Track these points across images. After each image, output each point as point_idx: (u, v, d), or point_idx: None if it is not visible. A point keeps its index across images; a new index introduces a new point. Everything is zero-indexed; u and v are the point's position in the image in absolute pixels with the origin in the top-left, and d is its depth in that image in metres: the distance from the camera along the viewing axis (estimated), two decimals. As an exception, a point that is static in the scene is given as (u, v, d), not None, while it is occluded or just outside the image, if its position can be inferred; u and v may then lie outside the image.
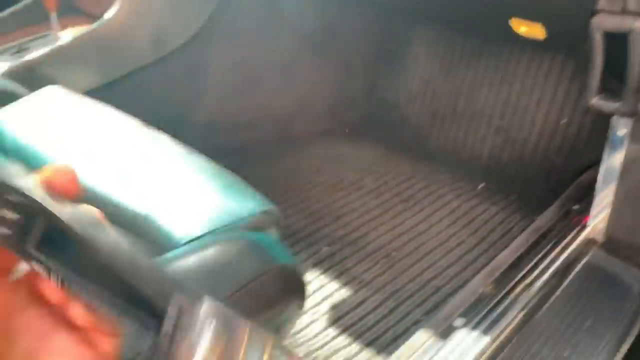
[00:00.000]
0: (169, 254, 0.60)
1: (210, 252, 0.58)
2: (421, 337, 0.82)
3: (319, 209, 1.29)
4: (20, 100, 0.96)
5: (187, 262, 0.57)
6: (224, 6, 1.35)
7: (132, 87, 1.22)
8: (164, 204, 0.71)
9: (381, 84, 1.62)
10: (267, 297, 0.58)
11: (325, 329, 0.99)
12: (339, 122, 1.59)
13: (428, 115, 1.52)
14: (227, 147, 1.37)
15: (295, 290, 0.61)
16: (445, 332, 0.82)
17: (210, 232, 0.65)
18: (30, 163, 0.85)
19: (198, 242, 0.63)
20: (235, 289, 0.55)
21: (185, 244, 0.64)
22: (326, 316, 1.02)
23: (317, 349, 0.95)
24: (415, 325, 0.99)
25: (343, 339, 0.98)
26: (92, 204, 0.76)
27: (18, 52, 1.28)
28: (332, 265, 1.14)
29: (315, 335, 0.98)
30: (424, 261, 1.15)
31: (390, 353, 0.86)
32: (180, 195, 0.73)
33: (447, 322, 0.84)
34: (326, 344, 0.97)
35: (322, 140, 1.54)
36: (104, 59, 1.18)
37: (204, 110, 1.42)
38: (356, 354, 0.95)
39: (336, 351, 0.95)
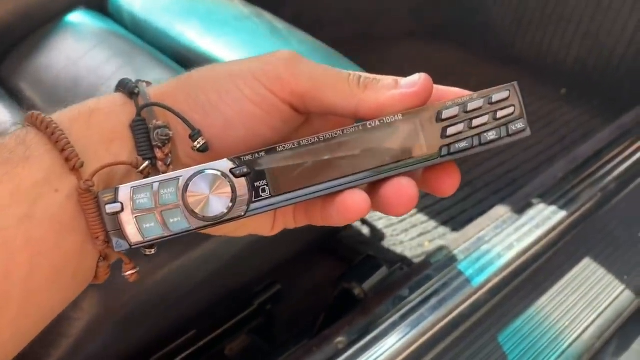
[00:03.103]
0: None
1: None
2: (499, 211, 0.87)
3: (400, 105, 1.33)
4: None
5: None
6: None
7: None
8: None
9: (467, -14, 1.60)
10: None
11: (404, 207, 1.06)
12: (423, 23, 1.60)
13: (513, 20, 1.50)
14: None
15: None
16: (522, 208, 0.87)
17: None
18: (147, 34, 0.93)
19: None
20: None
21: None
22: (405, 196, 1.09)
23: (396, 223, 1.03)
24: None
25: (420, 217, 1.05)
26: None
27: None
28: (412, 155, 1.19)
29: (395, 212, 1.05)
30: (502, 155, 1.18)
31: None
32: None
33: (525, 200, 0.89)
34: (404, 219, 1.04)
35: (404, 41, 1.56)
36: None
37: (293, 3, 1.46)
38: (432, 229, 1.02)
39: (413, 226, 1.03)
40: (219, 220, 0.29)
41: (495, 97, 0.33)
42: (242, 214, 0.29)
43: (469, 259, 0.74)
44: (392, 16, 1.58)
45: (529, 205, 0.87)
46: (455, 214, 1.05)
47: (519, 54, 1.48)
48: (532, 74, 1.42)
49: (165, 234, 0.29)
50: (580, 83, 1.37)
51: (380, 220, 1.03)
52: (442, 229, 1.02)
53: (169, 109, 0.31)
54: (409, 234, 1.00)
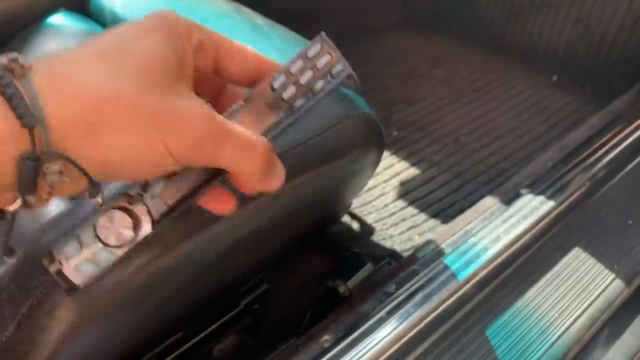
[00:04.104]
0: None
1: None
2: (487, 203, 0.86)
3: (390, 97, 1.33)
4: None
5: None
6: None
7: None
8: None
9: (457, -25, 1.58)
10: (351, 138, 0.63)
11: (394, 201, 1.06)
12: (414, 14, 1.58)
13: (504, 8, 1.49)
14: (302, 36, 1.40)
15: (375, 137, 0.66)
16: (511, 199, 0.86)
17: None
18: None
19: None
20: (323, 128, 0.61)
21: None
22: (395, 190, 1.08)
23: (385, 217, 1.02)
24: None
25: (410, 210, 1.04)
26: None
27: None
28: (402, 148, 1.19)
29: (385, 206, 1.05)
30: (493, 145, 1.18)
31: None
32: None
33: (513, 190, 0.88)
34: (394, 213, 1.03)
35: (395, 32, 1.55)
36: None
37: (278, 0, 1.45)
38: (422, 222, 1.01)
39: (403, 219, 1.02)
40: (134, 242, 0.34)
41: (310, 53, 0.38)
42: (150, 230, 0.35)
43: (455, 253, 0.74)
44: (383, 7, 1.57)
45: (517, 196, 0.86)
46: (446, 205, 1.05)
47: (509, 42, 1.47)
48: (523, 62, 1.41)
49: (101, 269, 0.34)
50: (571, 70, 1.36)
51: (370, 215, 1.03)
52: (432, 222, 1.01)
53: (74, 164, 0.29)
54: (399, 228, 1.00)
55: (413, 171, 1.12)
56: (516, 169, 1.11)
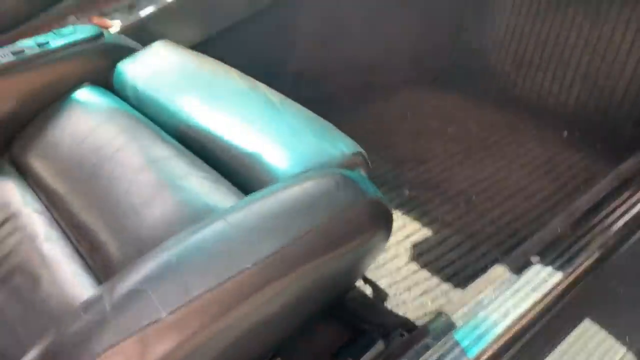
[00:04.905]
0: (273, 186, 0.69)
1: (309, 184, 0.66)
2: (497, 271, 0.88)
3: (402, 155, 1.36)
4: (137, 53, 1.08)
5: (289, 192, 0.66)
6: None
7: (229, 41, 1.32)
8: (267, 143, 0.80)
9: (466, 32, 1.62)
10: (359, 225, 0.66)
11: (407, 263, 1.08)
12: (424, 71, 1.63)
13: (513, 63, 1.52)
14: (315, 96, 1.45)
15: (382, 221, 0.69)
16: (520, 268, 0.87)
17: (307, 170, 0.74)
18: (148, 109, 0.97)
19: (298, 176, 0.72)
20: (331, 216, 0.64)
21: (286, 178, 0.73)
22: (408, 252, 1.10)
23: (399, 281, 1.04)
24: (493, 263, 1.04)
25: (423, 273, 1.05)
26: (206, 143, 0.87)
27: (129, 9, 1.41)
28: (414, 207, 1.21)
29: (398, 269, 1.06)
30: (504, 206, 1.19)
31: (467, 286, 0.93)
32: (280, 136, 0.82)
33: (523, 258, 0.89)
34: (407, 277, 1.05)
35: (407, 88, 1.59)
36: (206, 15, 1.28)
37: (293, 62, 1.50)
38: (435, 286, 1.03)
39: (417, 283, 1.03)
40: None
41: None
42: None
43: (466, 328, 0.75)
44: (393, 65, 1.61)
45: (527, 264, 0.87)
46: (458, 269, 1.06)
47: (518, 97, 1.50)
48: (532, 118, 1.44)
49: None
50: (581, 126, 1.38)
51: (383, 278, 1.04)
52: (444, 286, 1.03)
53: None
54: (412, 293, 1.01)
55: (426, 232, 1.14)
56: (527, 231, 1.12)
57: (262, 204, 0.64)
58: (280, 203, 0.64)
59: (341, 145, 0.81)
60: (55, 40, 1.07)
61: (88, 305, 0.55)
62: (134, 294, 0.54)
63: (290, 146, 0.79)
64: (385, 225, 0.69)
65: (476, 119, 1.46)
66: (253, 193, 0.68)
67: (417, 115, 1.48)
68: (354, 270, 0.75)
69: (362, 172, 0.82)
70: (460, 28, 1.63)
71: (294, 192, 0.65)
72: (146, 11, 1.28)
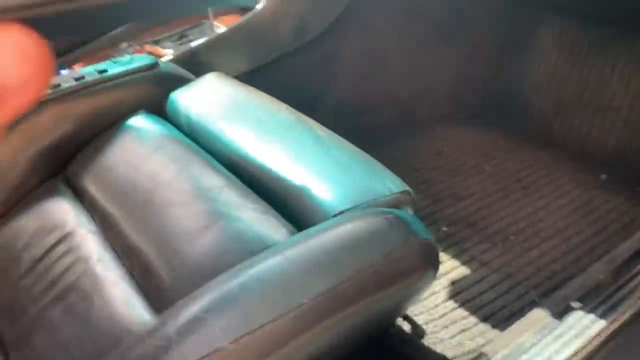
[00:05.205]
0: (327, 223, 0.71)
1: (362, 223, 0.69)
2: (537, 315, 0.88)
3: (439, 191, 1.37)
4: (190, 84, 1.12)
5: (343, 230, 0.68)
6: (358, -3, 1.45)
7: (275, 73, 1.36)
8: (316, 178, 0.83)
9: (505, 71, 1.64)
10: (409, 266, 0.68)
11: (444, 301, 1.08)
12: (462, 107, 1.65)
13: (552, 105, 1.53)
14: (354, 129, 1.48)
15: (431, 263, 0.70)
16: (561, 313, 0.87)
17: (357, 206, 0.76)
18: (200, 138, 1.00)
19: (347, 214, 0.74)
20: (382, 256, 0.66)
21: (335, 215, 0.76)
22: (446, 290, 1.11)
23: (435, 319, 1.05)
24: (530, 305, 1.05)
25: (460, 312, 1.06)
26: (256, 174, 0.90)
27: (180, 38, 1.46)
28: (452, 245, 1.22)
29: (435, 306, 1.07)
30: (542, 246, 1.19)
31: (505, 328, 0.93)
32: (329, 171, 0.84)
33: (564, 303, 0.89)
34: (444, 314, 1.05)
35: (444, 124, 1.61)
36: (254, 47, 1.33)
37: (334, 95, 1.53)
38: (472, 326, 1.03)
39: (453, 322, 1.04)
40: None
41: None
42: None
43: (507, 372, 0.76)
44: (431, 100, 1.64)
45: (568, 309, 0.88)
46: (496, 309, 1.06)
47: (557, 139, 1.51)
48: (571, 159, 1.44)
49: None
50: (620, 169, 1.38)
51: (421, 315, 1.05)
52: (482, 326, 1.03)
53: None
54: (449, 331, 1.02)
55: (463, 270, 1.15)
56: (565, 274, 1.12)
57: (317, 241, 0.66)
58: (335, 241, 0.66)
59: (388, 183, 0.83)
60: (114, 68, 1.12)
61: (152, 330, 0.58)
62: (197, 322, 0.56)
63: (339, 182, 0.82)
64: (433, 266, 0.71)
65: (514, 158, 1.47)
66: (308, 229, 0.70)
67: (454, 151, 1.50)
68: (399, 308, 0.76)
69: (409, 210, 0.84)
70: (500, 66, 1.65)
71: (348, 230, 0.67)
72: (197, 41, 1.34)
